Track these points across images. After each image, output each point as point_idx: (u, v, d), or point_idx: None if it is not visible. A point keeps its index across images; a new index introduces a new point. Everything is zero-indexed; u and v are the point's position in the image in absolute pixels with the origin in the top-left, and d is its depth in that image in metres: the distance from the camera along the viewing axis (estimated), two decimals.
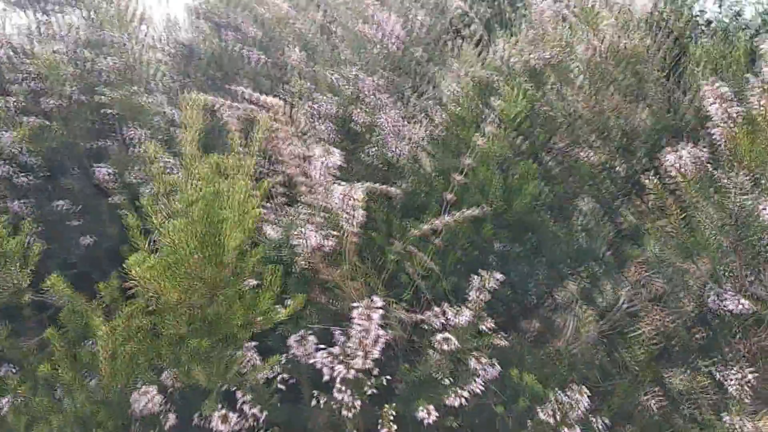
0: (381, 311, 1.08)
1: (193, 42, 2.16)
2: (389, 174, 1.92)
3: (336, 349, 1.13)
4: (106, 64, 1.64)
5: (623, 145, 2.01)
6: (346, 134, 1.92)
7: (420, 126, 2.17)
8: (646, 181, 1.37)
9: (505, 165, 1.83)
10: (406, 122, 2.05)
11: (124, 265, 1.26)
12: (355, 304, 1.09)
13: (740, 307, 1.14)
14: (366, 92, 1.80)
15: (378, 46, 1.98)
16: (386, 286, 1.50)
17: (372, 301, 1.09)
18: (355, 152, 1.92)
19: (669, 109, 1.98)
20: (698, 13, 2.33)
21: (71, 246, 1.63)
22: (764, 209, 1.06)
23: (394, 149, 1.89)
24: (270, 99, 1.30)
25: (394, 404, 1.17)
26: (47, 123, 1.66)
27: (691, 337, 1.80)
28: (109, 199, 1.62)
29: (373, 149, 1.83)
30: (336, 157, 1.24)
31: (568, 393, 1.36)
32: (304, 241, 1.14)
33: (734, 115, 1.05)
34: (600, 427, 1.38)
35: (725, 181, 1.19)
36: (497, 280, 1.16)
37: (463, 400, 1.20)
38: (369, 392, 1.13)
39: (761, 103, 1.04)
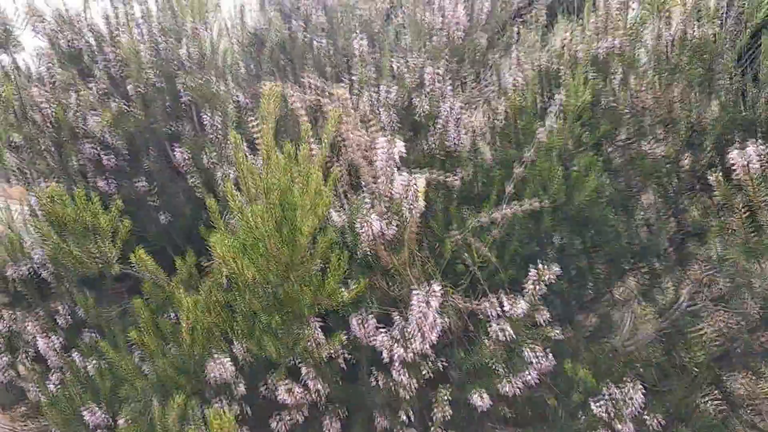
0: (440, 298, 1.14)
1: (262, 30, 2.25)
2: (448, 163, 1.96)
3: (396, 332, 1.20)
4: (184, 52, 1.74)
5: (690, 138, 1.98)
6: (407, 122, 1.96)
7: (481, 115, 2.19)
8: (710, 177, 1.36)
9: (567, 157, 1.84)
10: (466, 111, 2.07)
11: (197, 242, 1.36)
12: (415, 290, 1.15)
13: None
14: (428, 80, 1.83)
15: (441, 34, 2.00)
16: (444, 275, 1.56)
17: (431, 287, 1.15)
18: (416, 141, 1.96)
19: (741, 102, 1.93)
20: None
21: (149, 223, 1.75)
22: None
23: (454, 138, 1.93)
24: (337, 88, 1.36)
25: (449, 388, 1.23)
26: (128, 107, 1.79)
27: (754, 340, 1.78)
28: (187, 179, 1.73)
29: (433, 138, 1.87)
30: (400, 147, 1.29)
31: (623, 389, 1.37)
32: (368, 227, 1.21)
33: None
34: (655, 425, 1.39)
35: None
36: (554, 272, 1.18)
37: (516, 389, 1.24)
38: (426, 375, 1.19)
39: None
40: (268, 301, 1.04)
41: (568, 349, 1.72)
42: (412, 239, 1.36)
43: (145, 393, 1.18)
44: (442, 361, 1.25)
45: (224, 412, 0.92)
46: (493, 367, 1.32)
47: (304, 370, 1.24)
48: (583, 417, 1.32)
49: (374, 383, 1.23)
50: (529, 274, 1.20)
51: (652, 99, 2.03)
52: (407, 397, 1.18)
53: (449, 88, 1.97)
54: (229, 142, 1.70)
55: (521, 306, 1.19)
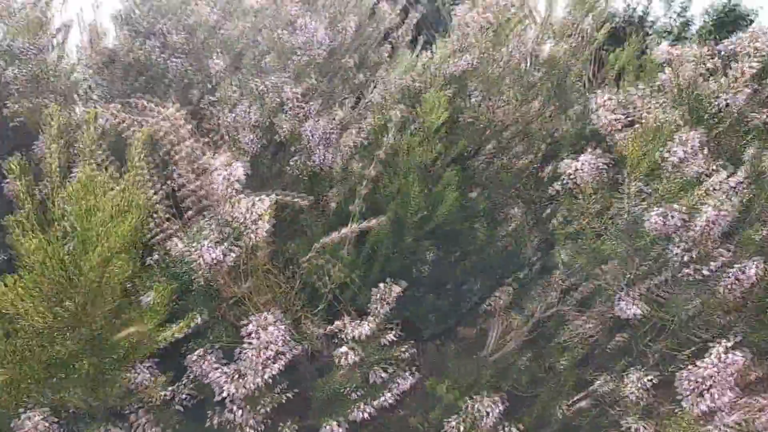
0: (276, 325, 1.07)
1: (116, 50, 2.11)
2: (315, 184, 1.91)
3: (231, 367, 1.11)
4: (12, 73, 1.58)
5: (547, 151, 2.05)
6: (270, 144, 1.89)
7: (350, 134, 2.16)
8: (550, 188, 1.39)
9: (430, 173, 1.84)
10: (335, 131, 2.04)
11: None
12: (246, 321, 1.07)
13: (630, 312, 1.17)
14: (287, 100, 1.78)
15: (302, 53, 1.96)
16: (304, 298, 1.49)
17: (267, 315, 1.07)
18: (281, 162, 1.90)
19: (589, 115, 2.02)
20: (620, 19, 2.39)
21: None
22: (650, 218, 1.09)
23: (321, 158, 1.88)
24: (170, 110, 1.27)
25: (298, 419, 1.15)
26: None
27: (610, 341, 1.84)
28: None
29: (297, 159, 1.81)
30: (239, 170, 1.22)
31: (482, 401, 1.36)
32: (199, 256, 1.12)
33: (614, 122, 1.07)
34: None
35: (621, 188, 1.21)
36: (397, 291, 1.15)
37: (366, 414, 1.19)
38: (263, 410, 1.11)
39: (644, 110, 1.06)
40: (70, 346, 0.93)
41: (436, 365, 1.71)
42: (261, 264, 1.29)
43: None
44: (289, 392, 1.17)
45: None
46: (346, 392, 1.26)
47: (133, 417, 1.12)
48: None
49: (209, 423, 1.13)
50: (372, 293, 1.16)
51: (511, 115, 2.09)
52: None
53: (313, 107, 1.93)
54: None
55: (365, 328, 1.14)
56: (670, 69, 1.32)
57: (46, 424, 1.02)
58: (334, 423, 1.18)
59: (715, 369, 1.03)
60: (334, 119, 2.16)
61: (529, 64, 1.99)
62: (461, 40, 2.00)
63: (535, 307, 1.83)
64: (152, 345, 0.99)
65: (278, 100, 1.85)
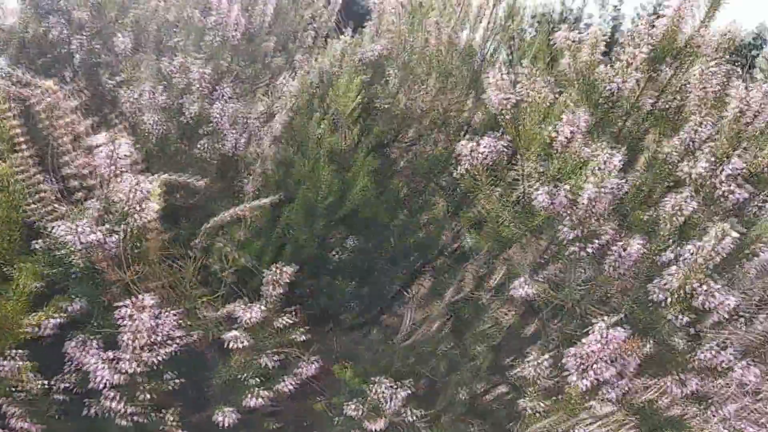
0: (150, 310, 1.02)
1: (15, 27, 1.99)
2: (227, 168, 1.86)
3: (108, 354, 1.05)
4: None
5: (462, 138, 2.06)
6: (179, 127, 1.82)
7: (266, 119, 2.11)
8: (454, 172, 1.40)
9: (344, 158, 1.82)
10: (250, 115, 1.99)
11: None
12: (119, 304, 1.02)
13: (521, 292, 1.18)
14: (195, 81, 1.72)
15: (214, 34, 1.90)
16: (202, 284, 1.44)
17: (143, 297, 1.02)
18: (189, 145, 1.83)
19: None
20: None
21: None
22: (538, 196, 1.10)
23: (234, 143, 1.83)
24: (47, 82, 1.19)
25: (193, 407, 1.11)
26: None
27: (522, 326, 1.87)
28: None
29: (205, 142, 1.75)
30: (124, 147, 1.16)
31: (383, 385, 1.35)
32: (75, 237, 1.06)
33: (504, 102, 1.08)
34: (411, 419, 1.38)
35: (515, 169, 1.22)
36: (289, 272, 1.12)
37: (260, 400, 1.16)
38: (143, 397, 1.06)
39: (529, 92, 1.07)
40: None
41: (349, 352, 1.69)
42: (154, 248, 1.23)
43: None
44: (174, 380, 1.12)
45: None
46: (244, 379, 1.22)
47: (6, 408, 1.05)
48: (339, 418, 1.27)
49: (87, 412, 1.07)
50: (264, 275, 1.13)
51: (429, 102, 2.09)
52: (125, 424, 1.04)
53: (227, 90, 1.87)
54: None
55: (255, 311, 1.11)
56: (568, 53, 1.34)
57: None
58: (227, 410, 1.14)
59: (598, 345, 1.05)
60: (248, 103, 2.11)
61: (446, 51, 2.00)
62: (378, 25, 1.99)
63: (447, 294, 1.84)
64: (17, 330, 0.92)
65: (186, 80, 1.78)
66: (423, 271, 2.20)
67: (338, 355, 1.61)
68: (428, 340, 1.92)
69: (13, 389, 1.07)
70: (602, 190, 1.02)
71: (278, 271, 1.10)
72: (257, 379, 1.23)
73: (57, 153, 1.24)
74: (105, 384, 1.02)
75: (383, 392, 1.33)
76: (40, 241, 1.24)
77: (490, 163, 1.27)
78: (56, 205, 1.31)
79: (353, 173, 1.71)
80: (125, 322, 1.00)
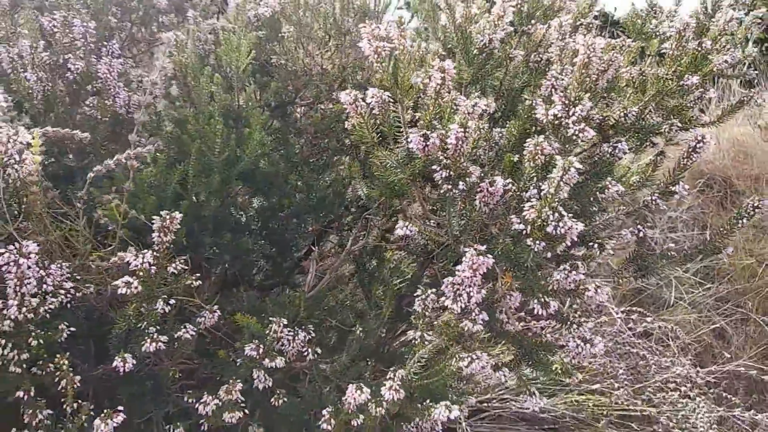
0: (35, 256, 1.06)
1: None
2: (120, 127, 1.86)
3: None
4: None
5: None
6: (66, 84, 1.80)
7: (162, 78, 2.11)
8: (347, 124, 1.49)
9: (240, 116, 1.86)
10: (144, 73, 1.99)
11: None
12: (1, 251, 1.05)
13: (406, 231, 1.30)
14: (78, 36, 1.70)
15: None
16: (97, 240, 1.47)
17: (28, 243, 1.06)
18: (77, 104, 1.81)
19: None
20: None
21: None
22: (413, 140, 1.21)
23: (125, 100, 1.82)
24: None
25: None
26: None
27: (422, 271, 2.02)
28: None
29: (94, 99, 1.74)
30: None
31: (285, 326, 1.45)
32: None
33: (379, 49, 1.17)
34: (311, 357, 1.49)
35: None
36: (176, 218, 1.18)
37: (158, 346, 1.22)
38: (35, 342, 1.10)
39: (401, 42, 1.17)
40: None
41: (257, 307, 1.76)
42: (35, 202, 1.25)
43: None
44: (66, 328, 1.17)
45: None
46: (142, 327, 1.28)
47: None
48: (240, 360, 1.35)
49: None
50: (154, 222, 1.18)
51: (327, 61, 2.16)
52: (21, 372, 1.08)
53: (116, 46, 1.86)
54: None
55: (147, 257, 1.17)
56: (446, 7, 1.45)
57: None
58: (126, 355, 1.19)
59: (469, 272, 1.19)
60: (144, 64, 2.10)
61: (340, 9, 2.07)
62: None
63: (349, 243, 1.95)
64: None
65: (71, 37, 1.76)
66: (330, 228, 2.30)
67: (245, 310, 1.68)
68: (334, 291, 2.03)
69: None
70: (466, 130, 1.15)
71: (168, 217, 1.16)
72: (155, 328, 1.29)
73: None
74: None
75: (282, 332, 1.42)
76: None
77: (378, 114, 1.37)
78: None
79: (249, 129, 1.76)
80: (10, 267, 1.04)
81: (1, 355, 1.05)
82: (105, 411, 1.14)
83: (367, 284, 2.14)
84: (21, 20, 1.79)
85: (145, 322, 1.28)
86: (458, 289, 1.22)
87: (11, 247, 1.05)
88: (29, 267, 1.04)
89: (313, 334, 1.58)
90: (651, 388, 2.05)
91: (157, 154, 1.53)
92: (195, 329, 1.37)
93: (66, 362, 1.10)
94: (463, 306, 1.20)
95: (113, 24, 2.00)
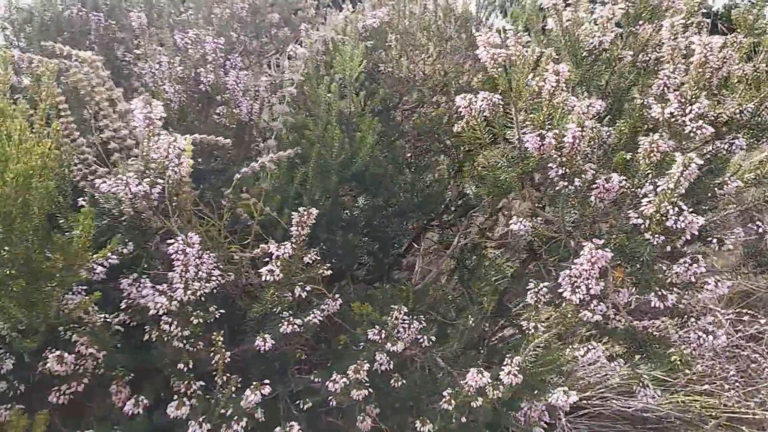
0: (198, 246, 1.22)
1: (33, 7, 2.15)
2: (243, 133, 2.04)
3: (163, 286, 1.25)
4: None
5: None
6: (196, 95, 2.00)
7: (275, 88, 2.29)
8: (455, 126, 1.58)
9: (351, 120, 2.00)
10: (260, 84, 2.16)
11: None
12: (171, 240, 1.21)
13: (520, 226, 1.37)
14: (210, 53, 1.89)
15: (225, 9, 2.07)
16: (233, 234, 1.64)
17: (188, 236, 1.22)
18: (207, 114, 2.01)
19: None
20: None
21: None
22: (527, 141, 1.29)
23: (248, 108, 2.00)
24: (83, 53, 1.37)
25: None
26: None
27: (524, 267, 2.07)
28: None
29: (222, 108, 1.93)
30: (159, 108, 1.34)
31: (404, 314, 1.55)
32: (125, 187, 1.24)
33: (495, 56, 1.26)
34: (427, 344, 1.59)
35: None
36: (313, 214, 1.31)
37: (293, 327, 1.35)
38: (197, 322, 1.26)
39: (517, 47, 1.25)
40: (8, 267, 1.05)
41: (365, 296, 1.88)
42: (187, 200, 1.42)
43: None
44: (216, 310, 1.32)
45: None
46: (278, 312, 1.42)
47: (75, 337, 1.25)
48: (362, 344, 1.47)
49: (148, 337, 1.27)
50: (292, 216, 1.32)
51: (429, 67, 2.26)
52: (182, 346, 1.25)
53: (238, 59, 2.04)
54: None
55: (287, 248, 1.31)
56: (554, 13, 1.51)
57: None
58: (267, 336, 1.34)
59: (588, 265, 1.25)
60: (256, 74, 2.28)
61: (443, 17, 2.17)
62: None
63: (455, 243, 2.04)
64: (84, 265, 1.11)
65: (201, 52, 1.96)
66: (431, 227, 2.40)
67: (356, 300, 1.79)
68: (438, 286, 2.12)
69: (80, 320, 1.27)
70: (584, 130, 1.21)
71: (306, 213, 1.29)
72: (288, 312, 1.43)
73: (96, 117, 1.42)
74: (163, 310, 1.21)
75: (402, 319, 1.53)
76: (86, 197, 1.43)
77: (488, 116, 1.45)
78: (96, 166, 1.50)
79: (361, 134, 1.89)
80: (178, 255, 1.20)
81: (169, 331, 1.22)
82: (254, 383, 1.28)
83: (467, 280, 2.22)
84: (156, 38, 2.01)
85: (280, 307, 1.43)
86: (575, 282, 1.27)
87: (179, 237, 1.21)
88: (193, 254, 1.20)
89: (424, 324, 1.67)
90: (765, 391, 2.00)
91: (281, 154, 1.68)
92: (321, 315, 1.50)
93: (221, 339, 1.25)
94: (582, 297, 1.26)
95: (233, 39, 2.20)
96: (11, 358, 1.24)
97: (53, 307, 1.12)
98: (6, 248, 1.02)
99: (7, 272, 1.05)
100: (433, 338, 1.60)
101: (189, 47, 1.98)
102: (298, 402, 1.53)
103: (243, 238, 1.59)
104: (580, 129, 1.21)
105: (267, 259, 1.43)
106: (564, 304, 1.32)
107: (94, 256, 1.12)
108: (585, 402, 2.36)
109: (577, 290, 1.26)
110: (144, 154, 1.34)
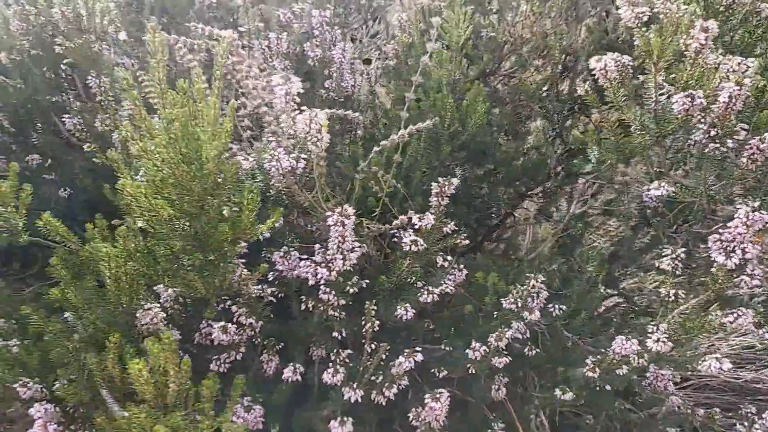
0: (353, 218, 1.25)
1: None
2: (347, 107, 2.06)
3: (318, 257, 1.30)
4: (57, 12, 1.70)
5: (565, 63, 2.19)
6: (301, 70, 2.03)
7: (373, 60, 2.30)
8: (579, 88, 1.56)
9: (456, 88, 1.99)
10: (357, 57, 2.17)
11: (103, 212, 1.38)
12: (329, 213, 1.25)
13: (662, 191, 1.35)
14: (316, 26, 1.91)
15: None
16: (356, 208, 1.67)
17: (344, 208, 1.26)
18: (313, 88, 2.04)
19: (605, 27, 2.16)
20: None
21: (47, 200, 1.72)
22: (675, 102, 1.26)
23: (351, 82, 2.03)
24: (225, 32, 1.41)
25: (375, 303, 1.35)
26: (5, 80, 1.72)
27: (635, 236, 2.04)
28: (79, 150, 1.72)
29: (329, 83, 1.95)
30: (297, 84, 1.37)
31: (529, 287, 1.56)
32: (277, 162, 1.28)
33: (640, 15, 1.23)
34: (558, 313, 1.60)
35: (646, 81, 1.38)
36: (454, 184, 1.33)
37: (432, 297, 1.39)
38: (351, 292, 1.31)
39: (664, 5, 1.22)
40: (187, 240, 1.10)
41: (478, 266, 1.90)
42: (322, 174, 1.45)
43: (77, 353, 1.21)
44: (365, 282, 1.36)
45: (159, 337, 0.99)
46: (412, 282, 1.45)
47: (234, 308, 1.32)
48: (496, 313, 1.49)
49: (304, 308, 1.33)
50: (432, 187, 1.34)
51: (528, 29, 2.22)
52: (336, 315, 1.30)
53: (339, 33, 2.06)
54: (120, 105, 1.70)
55: (429, 219, 1.33)
56: None
57: (164, 314, 1.22)
58: (407, 305, 1.37)
59: (743, 227, 1.23)
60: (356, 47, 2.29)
61: None
62: None
63: (562, 213, 2.02)
64: (250, 235, 1.16)
65: (306, 26, 1.98)
66: (529, 194, 2.38)
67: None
68: (545, 255, 2.12)
69: (238, 292, 1.33)
70: (741, 88, 1.17)
71: (446, 182, 1.31)
72: (421, 282, 1.46)
73: (236, 96, 1.46)
74: (322, 280, 1.26)
75: (533, 288, 1.54)
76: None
77: (618, 78, 1.42)
78: (232, 144, 1.55)
79: (469, 100, 1.88)
80: (336, 227, 1.24)
81: (327, 300, 1.27)
82: (407, 350, 1.33)
83: (570, 249, 2.20)
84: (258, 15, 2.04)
85: (414, 277, 1.46)
86: (728, 246, 1.25)
87: (337, 210, 1.25)
88: (348, 227, 1.24)
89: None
90: None
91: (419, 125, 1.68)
92: (452, 284, 1.53)
93: (374, 308, 1.30)
94: (737, 262, 1.24)
95: (333, 13, 2.20)
96: (177, 330, 1.31)
97: (227, 278, 1.18)
98: (188, 223, 1.08)
99: (188, 246, 1.11)
100: (564, 307, 1.61)
101: (294, 22, 2.00)
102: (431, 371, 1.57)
103: (370, 212, 1.62)
104: (738, 87, 1.17)
105: (394, 231, 1.47)
106: (715, 269, 1.30)
107: (262, 227, 1.16)
108: (690, 374, 2.34)
109: (731, 255, 1.24)
110: (282, 130, 1.38)
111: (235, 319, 1.31)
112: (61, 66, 1.77)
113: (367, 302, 1.31)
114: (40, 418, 1.22)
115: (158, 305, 1.21)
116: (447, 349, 1.57)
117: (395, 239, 1.54)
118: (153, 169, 1.00)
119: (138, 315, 1.20)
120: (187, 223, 1.08)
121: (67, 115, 1.69)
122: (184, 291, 1.18)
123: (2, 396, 1.28)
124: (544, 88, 2.17)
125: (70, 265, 1.25)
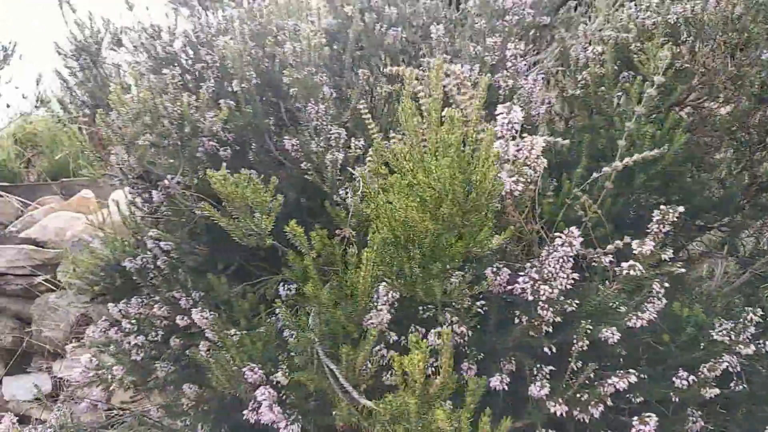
0: (580, 239, 1.31)
1: (339, 25, 2.45)
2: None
3: (536, 274, 1.37)
4: (289, 48, 1.94)
5: (760, 94, 2.12)
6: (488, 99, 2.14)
7: (551, 89, 2.37)
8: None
9: (651, 118, 2.00)
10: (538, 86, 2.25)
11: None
12: (558, 234, 1.32)
13: None
14: (510, 57, 2.01)
15: (512, 14, 2.18)
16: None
17: (571, 231, 1.32)
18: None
19: None
20: None
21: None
22: None
23: (536, 110, 2.10)
24: (454, 67, 1.54)
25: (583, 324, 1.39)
26: (236, 105, 1.98)
27: None
28: (287, 168, 1.94)
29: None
30: (519, 114, 1.46)
31: (737, 319, 1.52)
32: (502, 184, 1.38)
33: None
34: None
35: None
36: (677, 212, 1.35)
37: (641, 323, 1.40)
38: (564, 310, 1.36)
39: None
40: (425, 251, 1.23)
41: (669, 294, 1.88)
42: (532, 195, 1.53)
43: (311, 345, 1.37)
44: (574, 302, 1.41)
45: (423, 339, 1.10)
46: (614, 306, 1.48)
47: (448, 316, 1.42)
48: (702, 345, 1.47)
49: (517, 322, 1.40)
50: (653, 215, 1.37)
51: (721, 60, 2.18)
52: (546, 331, 1.36)
53: (524, 64, 2.15)
54: (332, 130, 1.88)
55: (648, 245, 1.36)
56: None
57: (396, 295, 1.34)
58: (613, 328, 1.40)
59: None
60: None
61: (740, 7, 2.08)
62: None
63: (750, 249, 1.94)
64: (483, 249, 1.26)
65: (497, 58, 2.09)
66: (709, 227, 2.31)
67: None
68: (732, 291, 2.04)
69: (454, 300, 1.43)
70: None
71: (667, 212, 1.33)
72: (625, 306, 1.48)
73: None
74: (544, 297, 1.33)
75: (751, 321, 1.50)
76: None
77: None
78: None
79: (667, 129, 1.88)
80: (564, 247, 1.31)
81: (544, 317, 1.33)
82: (619, 371, 1.36)
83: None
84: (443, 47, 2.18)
85: (617, 302, 1.48)
86: None
87: (565, 231, 1.32)
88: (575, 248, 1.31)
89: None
90: None
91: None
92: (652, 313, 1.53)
93: (589, 327, 1.34)
94: None
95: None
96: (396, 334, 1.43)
97: (457, 287, 1.29)
98: (435, 235, 1.20)
99: (426, 255, 1.23)
100: None
101: (485, 55, 2.12)
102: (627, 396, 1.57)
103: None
104: None
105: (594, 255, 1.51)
106: None
107: (493, 241, 1.26)
108: None
109: None
110: (503, 154, 1.47)
111: (445, 326, 1.41)
112: (279, 94, 2.01)
113: (583, 321, 1.35)
114: (264, 400, 1.38)
115: (386, 310, 1.34)
116: (643, 376, 1.56)
117: (594, 263, 1.58)
118: (426, 187, 1.14)
119: (370, 315, 1.33)
120: (435, 235, 1.20)
121: (286, 137, 1.90)
122: (407, 293, 1.30)
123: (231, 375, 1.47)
124: (734, 120, 2.12)
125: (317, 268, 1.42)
